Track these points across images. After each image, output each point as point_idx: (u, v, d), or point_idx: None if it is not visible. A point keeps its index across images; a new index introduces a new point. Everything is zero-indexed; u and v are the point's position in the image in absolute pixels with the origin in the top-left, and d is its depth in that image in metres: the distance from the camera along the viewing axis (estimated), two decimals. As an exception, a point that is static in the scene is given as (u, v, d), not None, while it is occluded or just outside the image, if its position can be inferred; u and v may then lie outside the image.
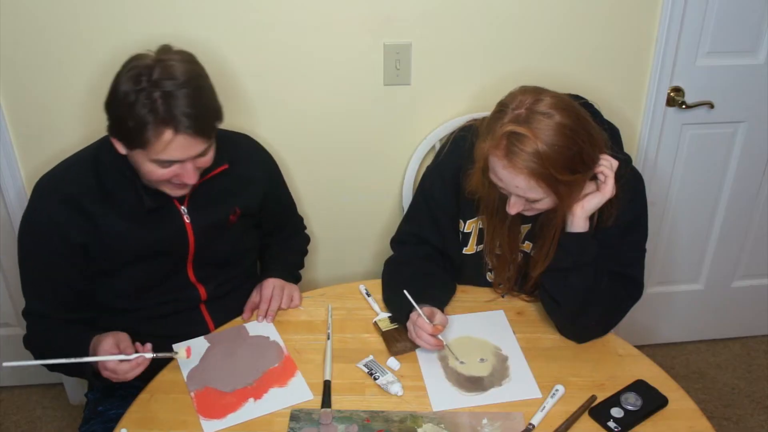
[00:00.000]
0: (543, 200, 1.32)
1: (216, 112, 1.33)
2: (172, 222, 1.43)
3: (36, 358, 1.47)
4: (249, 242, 1.62)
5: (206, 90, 1.32)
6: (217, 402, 1.30)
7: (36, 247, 1.40)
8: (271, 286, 1.55)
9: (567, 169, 1.26)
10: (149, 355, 1.29)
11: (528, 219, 1.47)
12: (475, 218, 1.52)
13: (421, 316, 1.37)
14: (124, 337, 1.32)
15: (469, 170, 1.42)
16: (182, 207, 1.44)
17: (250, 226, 1.60)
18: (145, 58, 1.28)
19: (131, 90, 1.23)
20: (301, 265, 1.76)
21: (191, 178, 1.32)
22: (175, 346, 1.38)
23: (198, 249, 1.48)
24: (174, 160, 1.28)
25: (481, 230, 1.54)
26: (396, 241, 1.65)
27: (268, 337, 1.46)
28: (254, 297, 1.56)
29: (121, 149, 1.32)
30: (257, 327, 1.49)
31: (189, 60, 1.32)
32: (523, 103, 1.26)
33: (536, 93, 1.29)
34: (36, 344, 1.46)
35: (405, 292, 1.39)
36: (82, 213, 1.36)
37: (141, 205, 1.38)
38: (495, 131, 1.27)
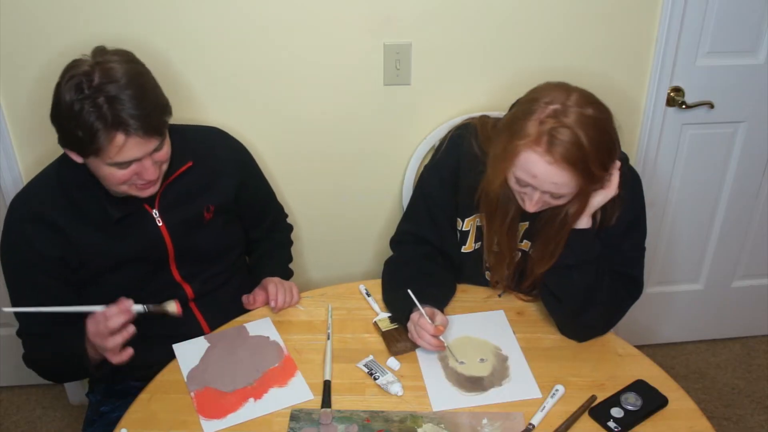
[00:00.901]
0: (565, 196, 1.33)
1: (163, 108, 1.32)
2: (144, 227, 1.43)
3: (39, 373, 1.48)
4: (231, 237, 1.61)
5: (150, 88, 1.31)
6: (217, 402, 1.30)
7: (17, 268, 1.41)
8: (274, 281, 1.55)
9: (601, 163, 1.27)
10: (138, 307, 1.29)
11: (526, 217, 1.47)
12: (473, 216, 1.52)
13: (423, 317, 1.37)
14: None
15: (474, 170, 1.42)
16: (153, 210, 1.44)
17: (230, 221, 1.59)
18: (83, 63, 1.26)
19: (75, 99, 1.22)
20: (291, 258, 1.77)
21: (152, 173, 1.31)
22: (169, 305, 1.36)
23: (177, 249, 1.47)
24: (131, 160, 1.28)
25: (479, 228, 1.54)
26: (395, 241, 1.65)
27: (268, 337, 1.46)
28: (258, 297, 1.55)
29: (77, 158, 1.31)
30: (257, 327, 1.49)
31: (128, 59, 1.30)
32: (556, 99, 1.26)
33: (565, 88, 1.29)
34: (36, 359, 1.47)
35: (409, 291, 1.39)
36: (52, 229, 1.37)
37: (108, 216, 1.38)
38: (529, 127, 1.26)
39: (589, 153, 1.24)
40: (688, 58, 1.91)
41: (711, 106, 1.97)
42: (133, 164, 1.29)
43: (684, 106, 1.96)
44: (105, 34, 1.66)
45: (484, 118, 1.51)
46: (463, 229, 1.54)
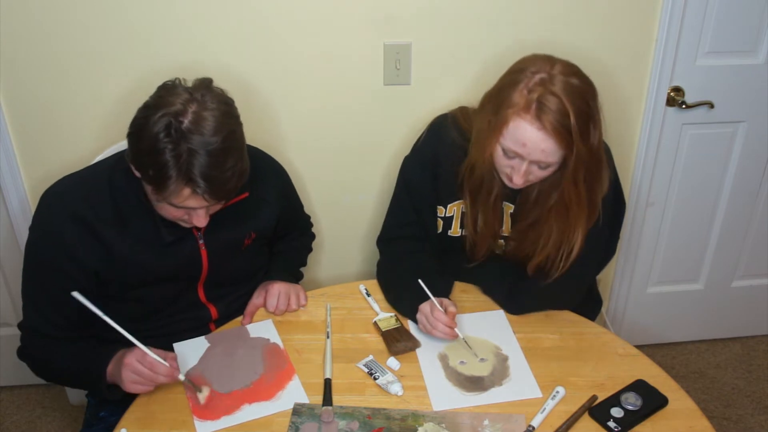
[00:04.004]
0: (552, 166, 1.34)
1: (240, 175, 1.26)
2: (186, 246, 1.40)
3: (36, 370, 1.43)
4: (261, 261, 1.61)
5: (235, 149, 1.24)
6: (211, 403, 1.29)
7: (44, 264, 1.34)
8: (277, 293, 1.53)
9: (582, 133, 1.28)
10: (181, 377, 1.28)
11: (511, 198, 1.49)
12: (456, 202, 1.53)
13: (436, 307, 1.39)
14: (154, 349, 1.27)
15: (454, 156, 1.46)
16: (198, 233, 1.41)
17: (262, 246, 1.58)
18: (178, 96, 1.20)
19: (161, 138, 1.17)
20: (304, 263, 1.76)
21: (201, 222, 1.29)
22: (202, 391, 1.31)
23: (210, 271, 1.45)
24: (188, 207, 1.25)
25: (464, 214, 1.55)
26: (383, 240, 1.66)
27: (268, 339, 1.45)
28: (257, 300, 1.54)
29: (136, 173, 1.26)
30: (258, 328, 1.49)
31: (224, 111, 1.23)
32: (542, 68, 1.29)
33: (549, 59, 1.32)
34: (36, 356, 1.42)
35: (420, 282, 1.41)
36: (96, 238, 1.31)
37: (159, 237, 1.35)
38: (517, 96, 1.29)
39: (573, 122, 1.26)
40: (688, 58, 1.91)
41: (711, 106, 1.97)
42: (187, 208, 1.26)
43: (684, 106, 1.96)
44: (108, 37, 1.66)
45: (463, 108, 1.55)
46: (447, 215, 1.56)
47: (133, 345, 1.27)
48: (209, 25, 1.70)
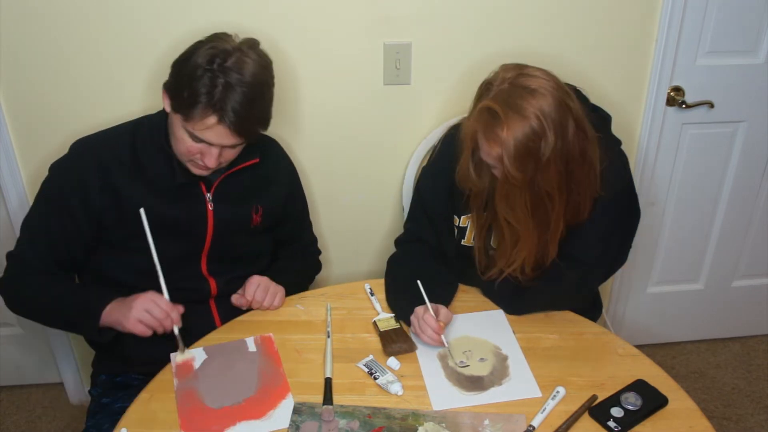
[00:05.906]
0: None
1: (263, 121, 1.39)
2: (196, 205, 1.47)
3: (14, 303, 1.49)
4: (264, 245, 1.63)
5: (264, 99, 1.37)
6: (200, 417, 1.25)
7: (54, 200, 1.43)
8: (257, 283, 1.51)
9: (530, 157, 1.28)
10: (176, 328, 1.37)
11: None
12: (470, 214, 1.54)
13: (428, 311, 1.40)
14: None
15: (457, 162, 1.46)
16: (208, 194, 1.47)
17: (269, 229, 1.61)
18: (229, 41, 1.34)
19: (202, 66, 1.29)
20: (300, 285, 1.67)
21: (211, 162, 1.36)
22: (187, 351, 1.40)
23: (215, 240, 1.50)
24: (205, 141, 1.34)
25: None
26: (399, 240, 1.68)
27: (266, 354, 1.40)
28: (241, 299, 1.51)
29: (167, 106, 1.37)
30: (256, 342, 1.44)
31: (264, 65, 1.36)
32: (504, 80, 1.32)
33: (518, 68, 1.35)
34: (19, 289, 1.47)
35: (419, 283, 1.42)
36: (108, 181, 1.41)
37: (173, 178, 1.42)
38: (476, 108, 1.33)
39: (521, 138, 1.28)
40: (688, 58, 1.91)
41: (711, 105, 1.98)
42: (203, 144, 1.35)
43: (684, 106, 1.96)
44: (108, 33, 1.66)
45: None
46: (461, 225, 1.56)
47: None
48: (208, 27, 1.69)
